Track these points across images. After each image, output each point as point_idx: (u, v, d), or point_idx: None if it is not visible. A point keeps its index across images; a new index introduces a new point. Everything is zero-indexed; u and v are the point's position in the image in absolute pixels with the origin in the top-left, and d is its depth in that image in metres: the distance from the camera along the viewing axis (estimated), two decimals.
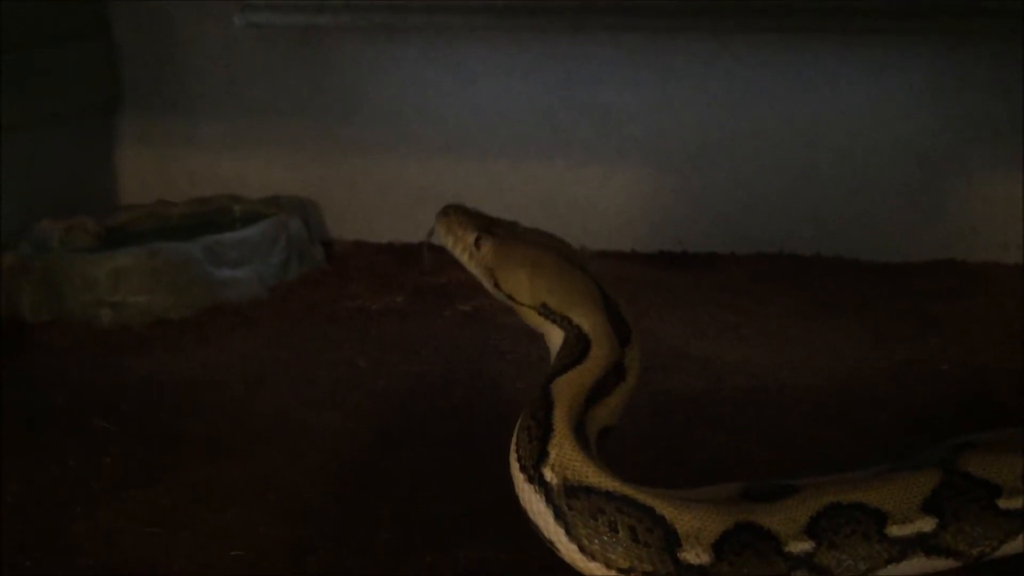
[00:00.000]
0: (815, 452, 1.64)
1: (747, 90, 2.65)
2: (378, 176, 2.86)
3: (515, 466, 1.26)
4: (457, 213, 1.44)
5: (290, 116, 2.85)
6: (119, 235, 2.51)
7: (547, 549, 1.22)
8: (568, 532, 1.20)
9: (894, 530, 1.28)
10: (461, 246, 1.42)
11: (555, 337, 1.40)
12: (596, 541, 1.19)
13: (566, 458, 1.22)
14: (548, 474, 1.21)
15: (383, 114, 2.81)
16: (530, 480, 1.24)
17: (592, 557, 1.19)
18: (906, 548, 1.28)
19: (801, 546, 1.25)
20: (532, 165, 2.80)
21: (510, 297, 1.41)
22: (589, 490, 1.19)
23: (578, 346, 1.36)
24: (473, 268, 1.43)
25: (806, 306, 2.36)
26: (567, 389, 1.31)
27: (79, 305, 2.21)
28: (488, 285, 1.42)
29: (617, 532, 1.18)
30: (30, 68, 2.50)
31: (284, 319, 2.30)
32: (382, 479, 1.60)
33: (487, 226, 1.43)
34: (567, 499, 1.20)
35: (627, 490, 1.20)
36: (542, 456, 1.23)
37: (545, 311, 1.39)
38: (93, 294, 2.20)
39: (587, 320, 1.37)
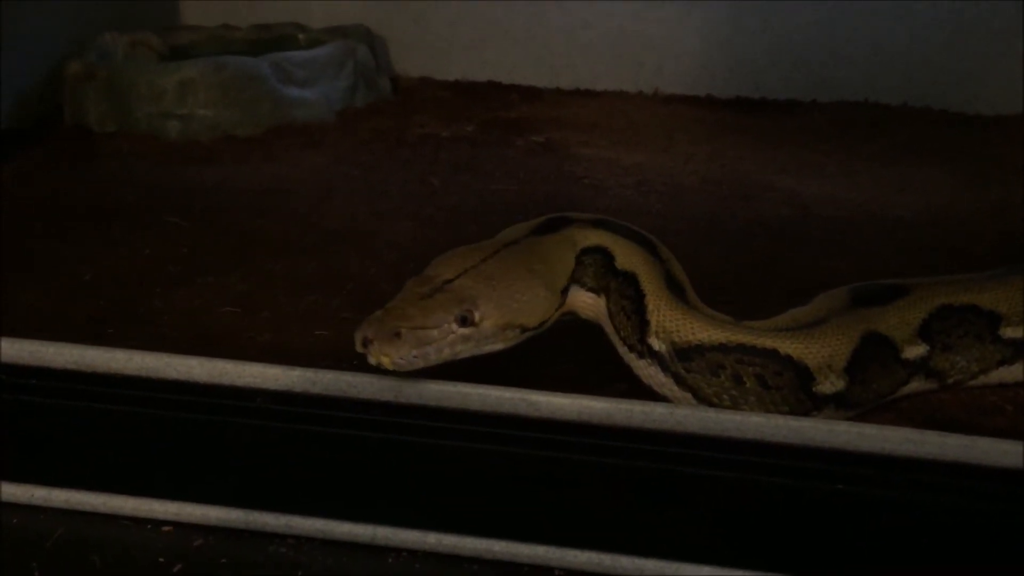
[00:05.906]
0: (911, 273, 1.57)
1: None
2: (445, 10, 2.75)
3: (623, 349, 1.21)
4: (402, 321, 1.06)
5: None
6: (182, 55, 2.44)
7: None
8: (696, 395, 1.15)
9: (1008, 332, 1.23)
10: (449, 344, 1.08)
11: (583, 296, 1.26)
12: (726, 397, 1.14)
13: (667, 320, 1.16)
14: (655, 343, 1.16)
15: None
16: (641, 355, 1.19)
17: None
18: (1019, 350, 1.23)
19: (916, 350, 1.20)
20: (606, 1, 2.68)
21: (545, 320, 1.18)
22: (701, 348, 1.14)
23: (607, 259, 1.25)
24: (486, 343, 1.12)
25: (893, 151, 2.26)
26: (642, 263, 1.22)
27: (145, 117, 2.16)
28: (516, 338, 1.15)
29: (744, 383, 1.13)
30: None
31: (352, 141, 2.25)
32: None
33: (439, 296, 1.10)
34: (682, 363, 1.15)
35: (742, 336, 1.13)
36: (644, 327, 1.18)
37: (570, 282, 1.23)
38: (160, 105, 2.15)
39: (591, 240, 1.26)
